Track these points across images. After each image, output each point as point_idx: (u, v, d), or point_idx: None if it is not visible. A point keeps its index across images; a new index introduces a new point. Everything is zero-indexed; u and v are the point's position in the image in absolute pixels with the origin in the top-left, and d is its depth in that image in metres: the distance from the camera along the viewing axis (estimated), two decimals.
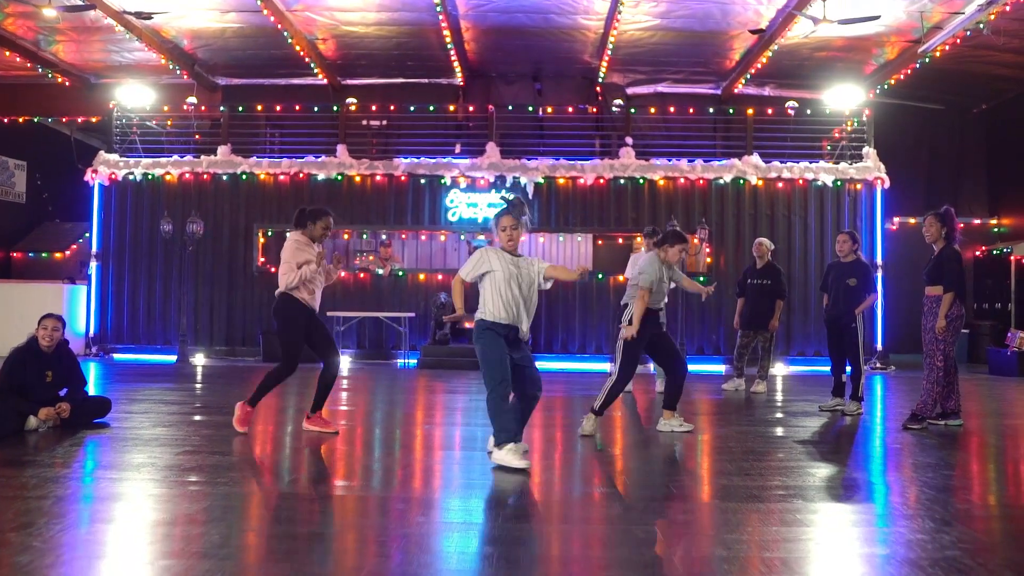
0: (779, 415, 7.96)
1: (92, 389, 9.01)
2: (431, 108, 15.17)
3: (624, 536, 3.78)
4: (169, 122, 15.39)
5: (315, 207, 6.54)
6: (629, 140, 14.56)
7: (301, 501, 4.40)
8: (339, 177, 14.40)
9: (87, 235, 15.02)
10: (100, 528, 3.79)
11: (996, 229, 16.29)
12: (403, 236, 15.02)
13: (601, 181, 14.29)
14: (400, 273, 14.27)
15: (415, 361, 13.19)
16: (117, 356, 14.04)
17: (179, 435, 6.20)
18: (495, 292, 5.24)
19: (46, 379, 6.42)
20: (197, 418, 7.22)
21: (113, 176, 14.54)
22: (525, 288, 5.28)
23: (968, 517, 4.16)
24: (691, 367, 12.65)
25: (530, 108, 15.54)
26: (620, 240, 14.68)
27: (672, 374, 6.56)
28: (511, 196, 5.50)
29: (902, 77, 14.64)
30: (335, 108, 15.16)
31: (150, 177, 14.56)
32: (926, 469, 5.26)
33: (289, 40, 13.87)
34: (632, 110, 15.30)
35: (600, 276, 14.03)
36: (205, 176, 14.52)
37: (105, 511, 4.10)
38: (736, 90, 15.96)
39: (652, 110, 15.63)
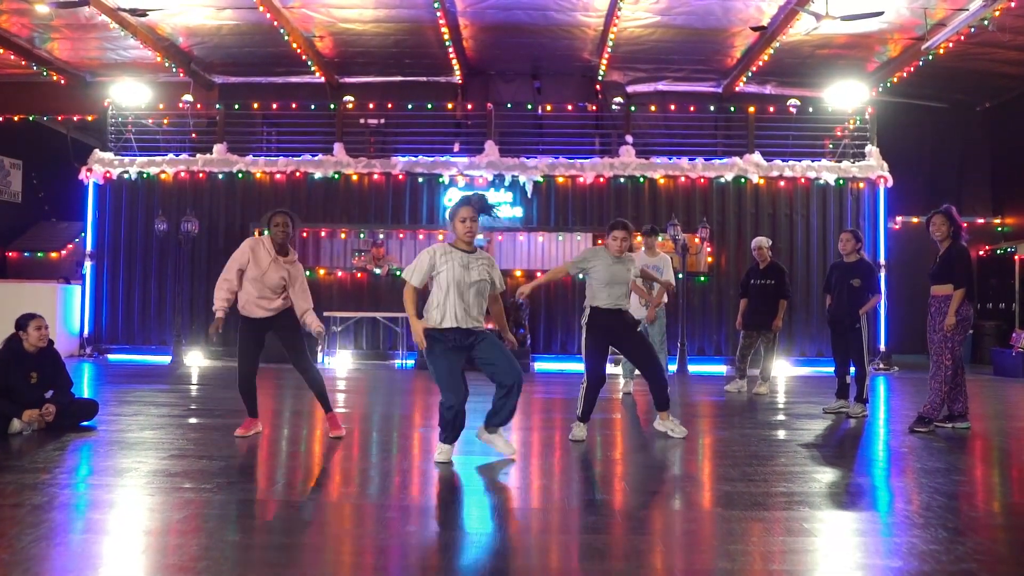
0: (782, 417, 7.80)
1: (84, 391, 8.89)
2: (429, 106, 15.02)
3: (624, 547, 3.63)
4: (165, 120, 15.23)
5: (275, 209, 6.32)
6: (629, 138, 14.40)
7: (293, 509, 4.24)
8: (336, 176, 14.25)
9: (83, 234, 14.87)
10: (76, 539, 3.64)
11: (1000, 228, 16.13)
12: (400, 235, 14.86)
13: (601, 180, 14.13)
14: (398, 273, 14.10)
15: (412, 362, 13.04)
16: (111, 357, 13.89)
17: (167, 439, 6.04)
18: (439, 294, 5.19)
19: (31, 381, 6.27)
20: (188, 421, 7.05)
21: (108, 175, 14.39)
22: (472, 290, 5.19)
23: (982, 526, 4.01)
24: (692, 368, 12.70)
25: (529, 106, 15.37)
26: None
27: (649, 378, 6.36)
28: (474, 194, 5.43)
29: (905, 75, 14.48)
30: (332, 106, 15.00)
31: (145, 176, 14.40)
32: (935, 474, 5.10)
33: (286, 37, 13.73)
34: (632, 108, 15.13)
35: None
36: (201, 175, 14.37)
37: (83, 520, 3.95)
38: (737, 88, 15.81)
39: (652, 108, 15.46)
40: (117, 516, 3.99)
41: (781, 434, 6.76)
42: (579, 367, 12.76)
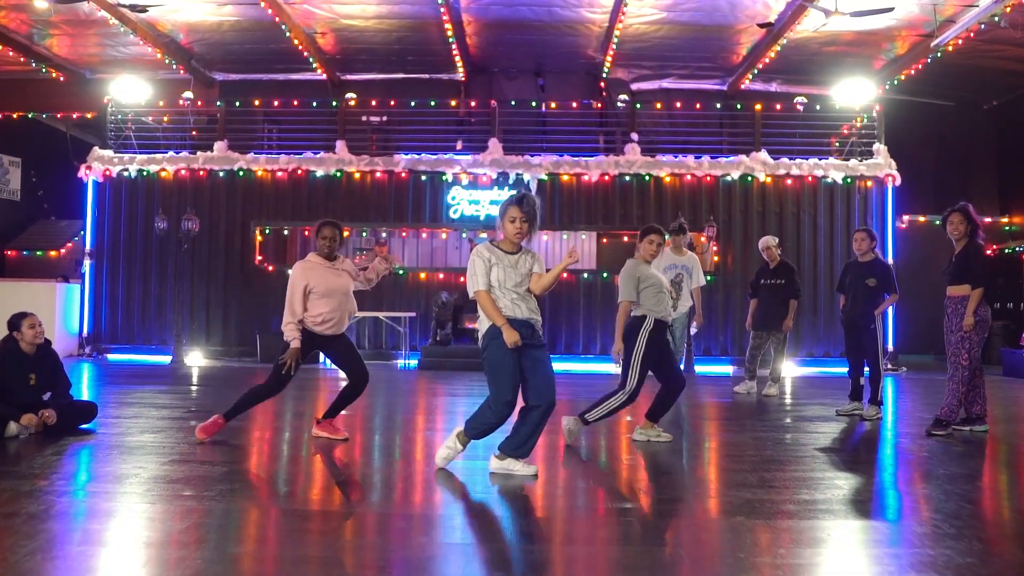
0: (795, 420, 7.66)
1: (83, 392, 8.74)
2: (432, 103, 14.86)
3: (639, 559, 3.47)
4: (165, 117, 15.08)
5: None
6: (635, 136, 14.26)
7: (295, 518, 4.08)
8: (338, 174, 14.10)
9: (82, 233, 14.73)
10: (74, 551, 3.48)
11: (1007, 227, 15.96)
12: (403, 234, 14.72)
13: (606, 178, 13.99)
14: (400, 272, 13.97)
15: (415, 362, 12.90)
16: (111, 356, 13.74)
17: (168, 442, 5.89)
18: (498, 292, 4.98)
19: (30, 382, 6.11)
20: (190, 423, 6.90)
21: (108, 172, 14.24)
22: (520, 287, 5.07)
23: (1017, 536, 3.86)
24: (698, 368, 12.53)
25: (533, 104, 15.23)
26: (625, 238, 14.36)
27: (666, 388, 6.13)
28: (525, 191, 5.29)
29: (912, 72, 14.32)
30: (334, 103, 14.86)
31: (145, 174, 14.26)
32: (959, 480, 4.95)
33: (287, 34, 13.56)
34: (637, 106, 14.99)
35: (605, 275, 13.73)
36: (201, 173, 14.22)
37: (81, 531, 3.79)
38: (743, 86, 15.64)
39: (658, 106, 15.32)
40: (116, 526, 3.84)
41: (796, 437, 6.61)
42: (585, 367, 12.68)
